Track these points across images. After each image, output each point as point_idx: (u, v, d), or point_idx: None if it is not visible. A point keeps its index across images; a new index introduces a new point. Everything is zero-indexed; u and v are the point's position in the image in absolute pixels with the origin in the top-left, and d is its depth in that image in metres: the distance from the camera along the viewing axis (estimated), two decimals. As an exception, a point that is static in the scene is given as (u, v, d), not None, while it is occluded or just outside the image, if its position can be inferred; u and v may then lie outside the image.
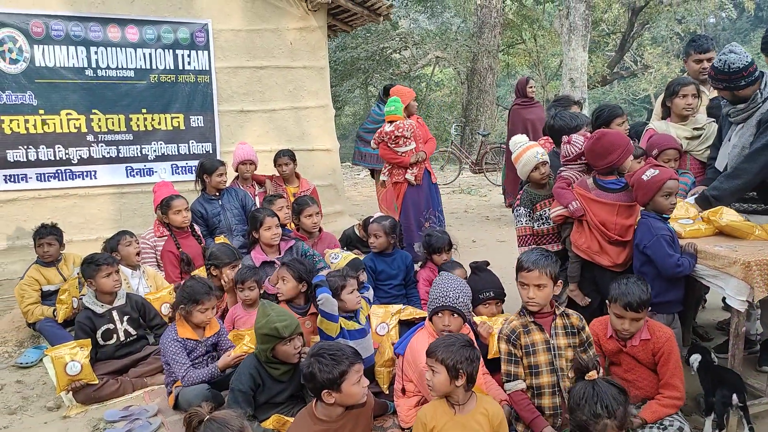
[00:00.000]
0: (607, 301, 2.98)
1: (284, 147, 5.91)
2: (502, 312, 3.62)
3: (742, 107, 3.40)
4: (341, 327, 3.27)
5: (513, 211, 3.89)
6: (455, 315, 2.97)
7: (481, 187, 11.95)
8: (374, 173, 7.46)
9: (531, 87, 7.74)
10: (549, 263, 2.79)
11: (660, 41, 20.94)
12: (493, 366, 3.05)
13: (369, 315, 3.62)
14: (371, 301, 3.79)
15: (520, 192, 3.86)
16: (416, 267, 4.54)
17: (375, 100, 8.07)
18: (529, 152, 3.73)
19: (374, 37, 15.64)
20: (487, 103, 17.10)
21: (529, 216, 3.74)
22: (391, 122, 5.77)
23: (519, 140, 3.83)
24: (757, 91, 3.35)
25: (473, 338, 2.91)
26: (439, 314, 2.99)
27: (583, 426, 2.23)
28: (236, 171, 5.53)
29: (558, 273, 2.81)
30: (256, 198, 5.35)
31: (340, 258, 4.01)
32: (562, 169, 3.63)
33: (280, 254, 4.26)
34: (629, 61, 19.89)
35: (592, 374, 2.31)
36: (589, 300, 3.46)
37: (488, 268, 3.73)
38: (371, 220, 4.64)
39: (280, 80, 6.52)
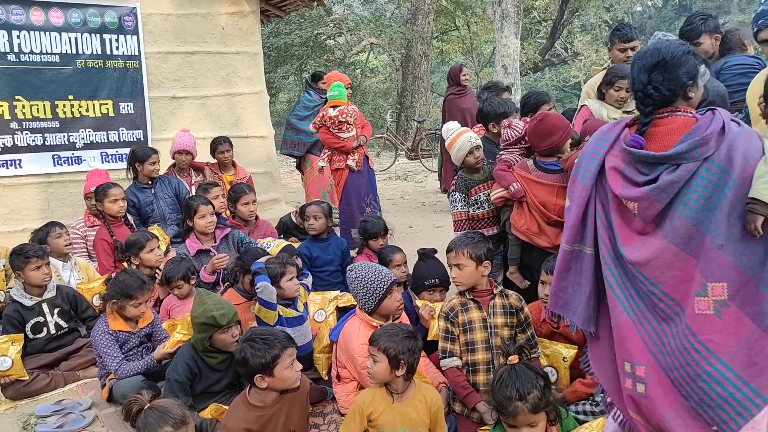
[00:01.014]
0: (541, 279, 3.13)
1: (218, 134, 5.81)
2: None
3: None
4: (279, 315, 3.29)
5: (448, 197, 3.97)
6: None
7: (417, 173, 12.10)
8: (300, 161, 7.34)
9: (465, 75, 7.80)
10: (470, 244, 2.87)
11: (589, 29, 21.61)
12: (434, 347, 3.13)
13: (307, 302, 3.65)
14: (310, 288, 3.80)
15: (455, 178, 3.95)
16: (354, 253, 4.58)
17: (304, 86, 7.95)
18: (462, 137, 3.81)
19: (308, 23, 15.47)
20: (422, 89, 17.26)
21: (465, 201, 3.82)
22: (334, 107, 5.77)
23: (451, 127, 3.92)
24: None
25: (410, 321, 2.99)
26: None
27: (500, 407, 2.29)
28: (173, 159, 5.43)
29: (485, 254, 2.87)
30: (193, 187, 5.26)
31: (272, 246, 4.01)
32: (502, 152, 3.71)
33: (215, 242, 4.23)
34: (560, 48, 20.43)
35: (513, 358, 2.37)
36: (529, 283, 3.57)
37: (435, 255, 3.78)
38: (307, 203, 4.66)
39: (213, 66, 6.40)
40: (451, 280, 2.98)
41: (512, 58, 12.00)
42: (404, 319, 3.16)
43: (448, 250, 2.94)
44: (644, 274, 2.06)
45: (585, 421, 2.68)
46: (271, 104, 18.06)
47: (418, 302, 3.47)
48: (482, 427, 2.72)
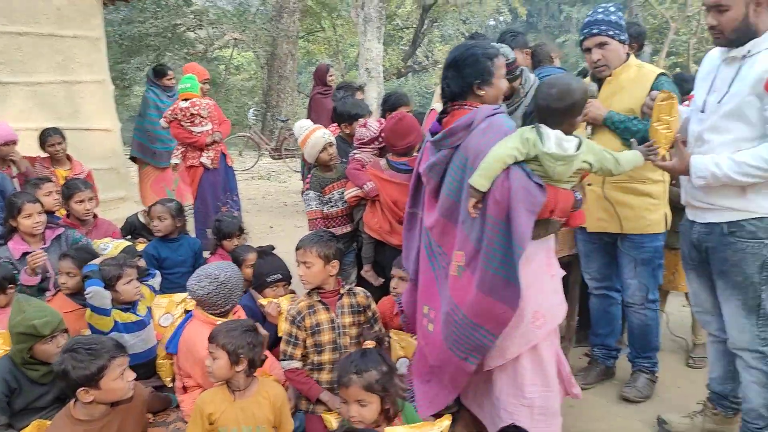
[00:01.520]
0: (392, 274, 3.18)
1: (53, 125, 5.23)
2: (292, 293, 3.63)
3: (509, 101, 3.75)
4: (115, 320, 3.02)
5: (303, 196, 3.91)
6: None
7: (281, 173, 11.89)
8: (138, 161, 6.85)
9: (331, 75, 7.70)
10: (319, 242, 2.82)
11: (448, 39, 22.49)
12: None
13: (151, 306, 3.40)
14: (157, 289, 3.58)
15: (308, 176, 3.90)
16: (207, 254, 4.35)
17: (145, 84, 7.21)
18: (316, 133, 3.79)
19: (165, 12, 14.68)
20: (288, 89, 17.01)
21: (319, 199, 3.79)
22: (186, 99, 5.47)
23: (303, 124, 3.87)
24: (520, 86, 3.73)
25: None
26: None
27: (338, 380, 2.31)
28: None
29: (333, 253, 2.84)
30: (15, 181, 4.70)
31: (110, 247, 3.69)
32: (355, 151, 3.73)
33: (45, 243, 3.80)
34: (421, 55, 21.09)
35: (369, 343, 2.44)
36: (383, 280, 3.61)
37: (274, 252, 3.71)
38: (154, 202, 4.35)
39: (47, 50, 5.79)
40: (300, 279, 2.91)
41: (375, 62, 12.15)
42: (241, 314, 3.05)
43: (297, 248, 2.88)
44: (432, 238, 2.54)
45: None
46: (124, 96, 17.02)
47: (262, 301, 3.37)
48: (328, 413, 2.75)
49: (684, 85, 3.60)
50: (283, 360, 2.85)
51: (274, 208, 8.54)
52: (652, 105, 2.55)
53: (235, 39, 16.98)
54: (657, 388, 3.41)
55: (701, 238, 2.58)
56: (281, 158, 12.55)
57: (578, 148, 2.25)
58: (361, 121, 3.81)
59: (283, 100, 16.88)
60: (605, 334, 3.54)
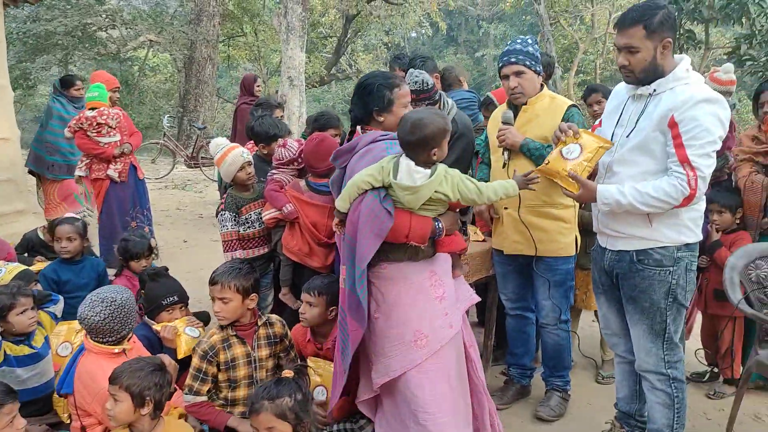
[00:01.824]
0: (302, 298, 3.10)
1: (-58, 132, 4.86)
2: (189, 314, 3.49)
3: None
4: (6, 354, 2.78)
5: (217, 216, 3.77)
6: None
7: (197, 182, 11.50)
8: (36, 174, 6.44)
9: (258, 85, 7.53)
10: (237, 276, 2.76)
11: (371, 49, 22.63)
12: (185, 366, 2.93)
13: (50, 335, 3.16)
14: (58, 316, 3.33)
15: (224, 196, 3.76)
16: (112, 275, 4.10)
17: (50, 95, 6.73)
18: (234, 152, 3.66)
19: (75, 10, 13.94)
20: (206, 94, 16.52)
21: (235, 220, 3.66)
22: (93, 108, 5.17)
23: (220, 142, 3.74)
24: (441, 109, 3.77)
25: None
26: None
27: (250, 406, 2.27)
28: None
29: (252, 286, 2.80)
30: None
31: (4, 272, 3.41)
32: (273, 171, 3.64)
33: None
34: (345, 64, 21.07)
35: (287, 372, 2.37)
36: (301, 303, 3.51)
37: (168, 272, 3.56)
38: (57, 220, 4.06)
39: (-64, 50, 5.35)
40: (213, 314, 2.79)
41: (298, 70, 11.98)
42: (142, 351, 2.86)
43: (213, 282, 2.77)
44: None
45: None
46: (29, 97, 16.05)
47: (157, 326, 3.21)
48: None
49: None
50: (188, 395, 2.73)
51: (189, 220, 8.23)
52: (560, 135, 2.62)
53: (151, 41, 16.34)
54: (570, 406, 3.50)
55: (612, 264, 2.67)
56: (198, 167, 12.11)
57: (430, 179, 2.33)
58: (281, 141, 3.72)
59: (201, 104, 16.38)
60: (521, 354, 3.61)
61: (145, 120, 17.72)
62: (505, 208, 3.28)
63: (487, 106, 3.84)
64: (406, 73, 4.36)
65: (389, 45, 22.29)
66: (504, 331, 3.73)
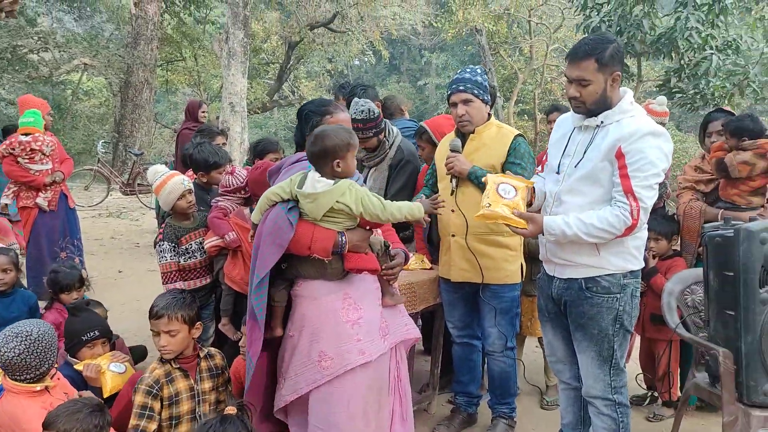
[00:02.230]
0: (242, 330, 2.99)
1: None
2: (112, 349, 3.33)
3: (375, 153, 3.78)
4: None
5: (155, 247, 3.63)
6: None
7: (133, 210, 11.14)
8: None
9: (203, 111, 7.37)
10: (183, 306, 2.66)
11: (314, 76, 22.70)
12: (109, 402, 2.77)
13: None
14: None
15: (162, 226, 3.63)
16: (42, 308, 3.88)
17: None
18: (174, 180, 3.54)
19: (4, 31, 13.43)
20: (143, 119, 16.12)
21: (174, 251, 3.52)
22: (27, 134, 4.95)
23: (159, 169, 3.61)
24: (385, 138, 3.78)
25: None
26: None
27: None
28: None
29: (196, 315, 2.72)
30: None
31: None
32: (218, 198, 3.55)
33: None
34: (287, 90, 21.04)
35: (230, 409, 2.28)
36: (241, 335, 3.39)
37: (89, 306, 3.39)
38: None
39: None
40: (158, 349, 2.66)
41: (239, 96, 11.86)
42: (67, 387, 2.70)
43: (158, 316, 2.64)
44: None
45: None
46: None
47: (79, 365, 3.04)
48: None
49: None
50: None
51: (125, 249, 7.93)
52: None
53: (86, 64, 15.89)
54: (515, 432, 3.50)
55: (561, 292, 2.71)
56: (134, 193, 11.73)
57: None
58: (229, 167, 3.64)
59: (138, 130, 15.96)
60: (467, 382, 3.60)
61: (78, 146, 17.13)
62: (453, 236, 3.29)
63: (421, 135, 3.87)
64: (347, 100, 4.39)
65: (332, 72, 22.42)
66: (451, 359, 3.72)
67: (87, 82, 20.26)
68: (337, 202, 2.34)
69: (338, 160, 2.36)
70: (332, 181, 2.35)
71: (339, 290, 2.46)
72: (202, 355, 2.76)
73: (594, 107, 2.54)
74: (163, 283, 3.51)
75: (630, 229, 2.45)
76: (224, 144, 4.41)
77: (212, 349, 2.95)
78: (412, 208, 2.45)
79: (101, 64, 15.27)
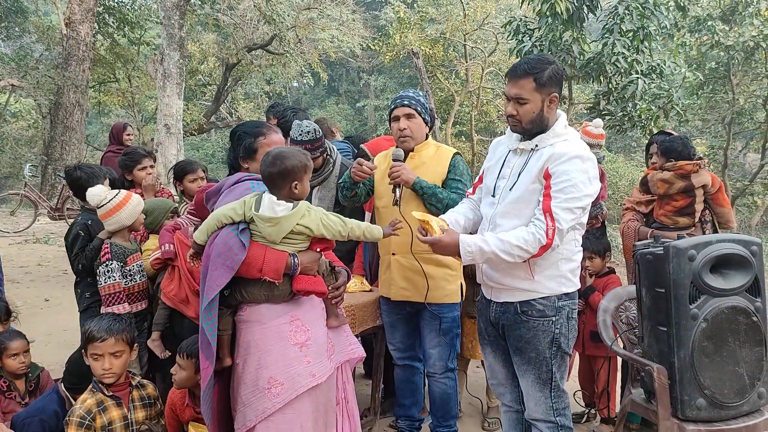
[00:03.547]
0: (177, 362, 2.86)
1: None
2: None
3: (320, 171, 3.74)
4: None
5: (100, 268, 3.44)
6: None
7: (61, 235, 10.59)
8: None
9: (129, 134, 7.06)
10: (124, 327, 2.60)
11: (252, 97, 22.51)
12: None
13: None
14: None
15: (107, 246, 3.45)
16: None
17: None
18: (134, 198, 3.40)
19: (-77, 51, 12.74)
20: (74, 141, 15.49)
21: (121, 271, 3.35)
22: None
23: (105, 191, 3.45)
24: (328, 156, 3.77)
25: None
26: None
27: None
28: None
29: (136, 336, 2.65)
30: None
31: None
32: (182, 215, 3.51)
33: None
34: (225, 112, 20.75)
35: None
36: (169, 353, 3.27)
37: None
38: None
39: None
40: (96, 375, 2.52)
41: (175, 118, 11.61)
42: None
43: (102, 339, 2.54)
44: None
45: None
46: None
47: None
48: None
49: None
50: None
51: (52, 277, 7.55)
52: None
53: (13, 85, 15.21)
54: (457, 455, 3.48)
55: (498, 316, 2.70)
56: (63, 218, 11.22)
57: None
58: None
59: (69, 152, 15.31)
60: (409, 405, 3.56)
61: (5, 169, 16.37)
62: (393, 254, 3.27)
63: (361, 158, 3.87)
64: (278, 121, 4.34)
65: (270, 94, 22.29)
66: (393, 383, 3.67)
67: (14, 103, 19.41)
68: (297, 224, 2.32)
69: (296, 182, 2.35)
70: (291, 205, 2.33)
71: (286, 313, 2.41)
72: (134, 383, 2.64)
73: (530, 126, 2.55)
74: (104, 305, 3.32)
75: (544, 249, 2.43)
76: (152, 166, 4.23)
77: (144, 379, 2.82)
78: (371, 227, 2.47)
79: (30, 85, 14.65)
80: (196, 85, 19.17)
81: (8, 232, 10.43)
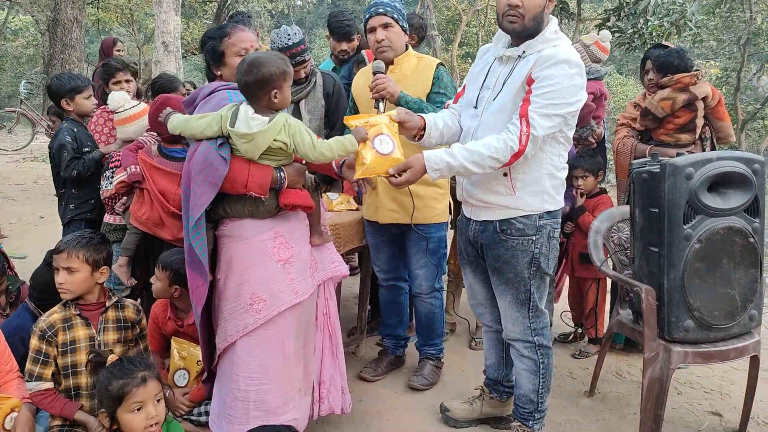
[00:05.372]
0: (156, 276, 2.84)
1: None
2: None
3: (305, 83, 3.49)
4: None
5: (104, 172, 3.40)
6: None
7: (61, 154, 10.58)
8: None
9: (119, 50, 6.82)
10: (87, 246, 2.47)
11: (254, 16, 21.78)
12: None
13: None
14: None
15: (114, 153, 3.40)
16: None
17: None
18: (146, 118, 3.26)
19: None
20: (74, 59, 15.09)
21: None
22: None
23: (126, 97, 3.46)
24: (312, 66, 3.56)
25: None
26: None
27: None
28: None
29: (104, 258, 2.52)
30: None
31: None
32: (146, 133, 3.33)
33: None
34: (228, 32, 20.15)
35: (113, 357, 2.19)
36: (135, 281, 3.22)
37: None
38: None
39: None
40: (58, 287, 2.46)
41: (173, 35, 11.17)
42: None
43: (58, 251, 2.46)
44: None
45: (202, 423, 2.66)
46: None
47: None
48: None
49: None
50: (30, 382, 2.42)
51: (48, 194, 7.48)
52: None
53: (10, 1, 14.77)
54: (443, 373, 3.47)
55: (476, 235, 2.60)
56: (63, 137, 11.11)
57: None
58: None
59: (69, 71, 15.02)
60: (394, 325, 3.53)
61: (7, 88, 16.12)
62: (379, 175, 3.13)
63: (358, 64, 3.67)
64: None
65: (273, 12, 21.56)
66: (378, 302, 3.63)
67: (13, 20, 18.95)
68: (274, 140, 2.19)
69: (275, 90, 2.20)
70: (267, 119, 2.18)
71: (269, 229, 2.34)
72: (109, 304, 2.56)
73: (531, 23, 2.34)
74: (108, 212, 3.37)
75: (516, 156, 2.27)
76: (128, 81, 3.96)
77: (128, 300, 2.74)
78: (344, 144, 2.26)
79: (26, 1, 14.20)
80: (197, 2, 18.53)
81: (6, 150, 10.35)
